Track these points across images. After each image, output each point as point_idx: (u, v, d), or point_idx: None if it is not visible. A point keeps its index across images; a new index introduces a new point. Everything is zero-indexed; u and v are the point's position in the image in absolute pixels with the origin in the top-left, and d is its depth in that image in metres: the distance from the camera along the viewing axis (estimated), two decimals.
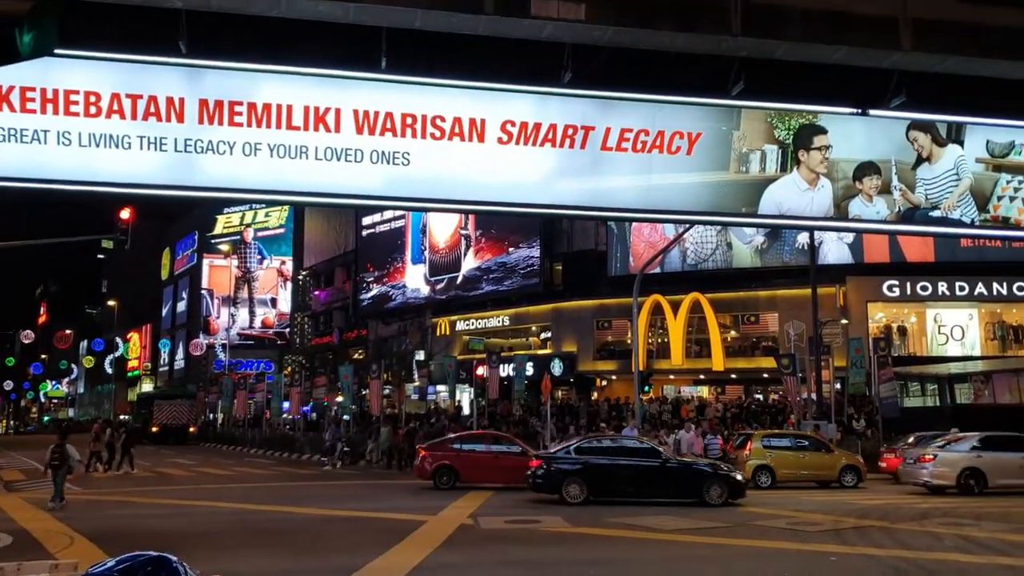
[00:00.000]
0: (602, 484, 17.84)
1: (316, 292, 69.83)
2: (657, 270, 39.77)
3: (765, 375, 38.41)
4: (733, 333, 41.39)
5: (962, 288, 37.82)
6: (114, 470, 27.79)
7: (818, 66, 16.66)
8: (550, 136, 16.06)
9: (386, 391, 41.26)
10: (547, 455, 19.05)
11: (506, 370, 37.79)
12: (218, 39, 14.74)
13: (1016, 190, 18.20)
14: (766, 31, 15.40)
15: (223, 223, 78.10)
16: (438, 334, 50.35)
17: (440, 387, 42.94)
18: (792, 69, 16.70)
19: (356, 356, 55.89)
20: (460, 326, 49.40)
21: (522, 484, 20.17)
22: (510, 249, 47.35)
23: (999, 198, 18.22)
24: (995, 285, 37.66)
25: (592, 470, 17.90)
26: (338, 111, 15.27)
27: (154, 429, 53.00)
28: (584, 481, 17.74)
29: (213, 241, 77.97)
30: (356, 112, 15.26)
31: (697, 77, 17.02)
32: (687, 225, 32.53)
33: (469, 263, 49.77)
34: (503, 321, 47.34)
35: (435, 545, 12.14)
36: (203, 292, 77.69)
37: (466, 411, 39.05)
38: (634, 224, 40.36)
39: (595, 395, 42.32)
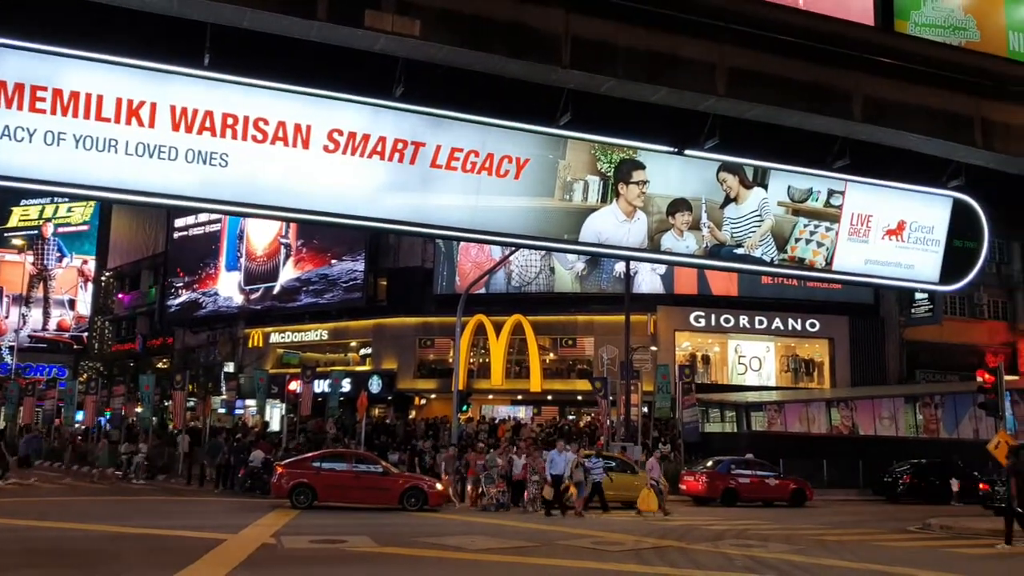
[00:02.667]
0: None
1: (120, 295, 65.67)
2: (482, 290, 40.18)
3: (579, 397, 39.54)
4: (552, 355, 42.38)
5: (761, 322, 40.55)
6: None
7: (641, 104, 17.42)
8: (379, 148, 15.88)
9: (190, 403, 39.23)
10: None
11: (321, 386, 36.91)
12: (20, 16, 13.65)
13: (812, 233, 19.70)
14: (594, 66, 15.94)
15: (19, 215, 72.12)
16: (250, 345, 48.47)
17: (249, 401, 41.28)
18: (617, 104, 17.38)
19: (160, 365, 52.87)
20: (275, 338, 47.82)
21: (384, 504, 20.35)
22: (333, 261, 46.39)
23: (796, 240, 19.66)
24: (791, 321, 40.64)
25: None
26: (154, 106, 14.44)
27: None
28: None
29: (7, 235, 71.75)
30: (173, 108, 14.49)
31: (528, 104, 17.38)
32: (513, 247, 33.05)
33: (288, 273, 48.34)
34: (321, 335, 46.25)
35: (231, 566, 11.54)
36: None
37: (275, 427, 37.74)
38: (462, 243, 40.62)
39: (413, 414, 42.07)
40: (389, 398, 42.56)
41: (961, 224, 20.33)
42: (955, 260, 20.46)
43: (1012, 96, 19.03)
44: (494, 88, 16.92)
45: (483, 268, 38.92)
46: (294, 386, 35.07)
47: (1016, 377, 40.52)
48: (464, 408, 34.61)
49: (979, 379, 21.59)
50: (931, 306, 39.86)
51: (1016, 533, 15.77)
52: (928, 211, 20.27)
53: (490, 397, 42.80)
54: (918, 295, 38.59)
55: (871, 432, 36.14)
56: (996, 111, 18.89)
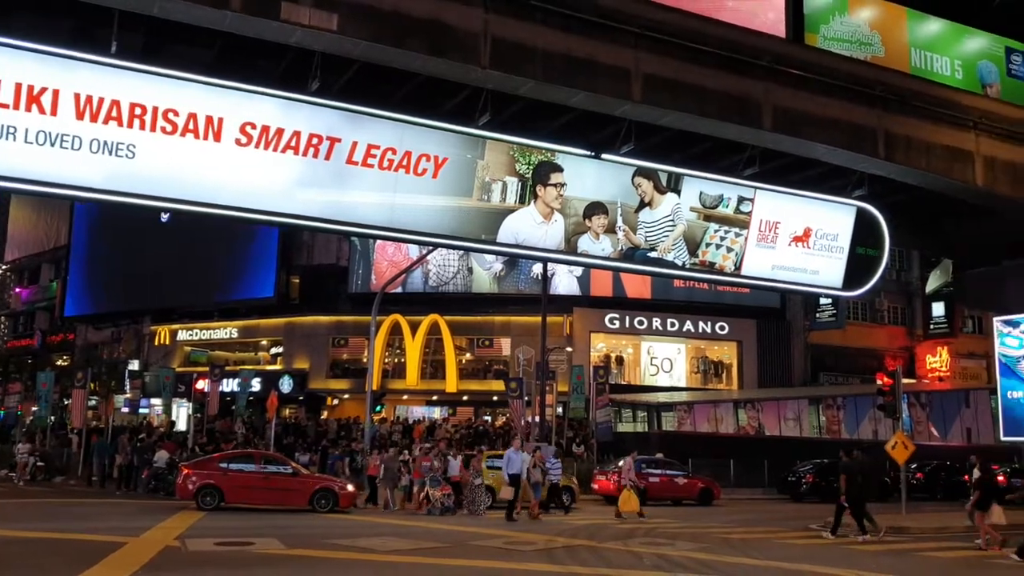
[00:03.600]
0: None
1: (17, 289, 62.84)
2: (399, 290, 39.86)
3: (495, 398, 39.61)
4: (468, 356, 42.33)
5: (673, 324, 41.35)
6: None
7: (559, 107, 17.58)
8: (293, 143, 15.61)
9: (92, 402, 37.81)
10: None
11: (230, 385, 36.04)
12: None
13: (722, 239, 20.20)
14: (513, 67, 15.99)
15: None
16: (156, 343, 46.95)
17: (155, 400, 39.99)
18: (535, 107, 17.50)
19: (60, 362, 50.79)
20: (182, 336, 46.44)
21: (294, 506, 19.90)
22: None
23: (707, 245, 20.14)
24: (701, 323, 41.56)
25: None
26: (56, 92, 13.88)
27: None
28: None
29: None
30: (78, 96, 13.96)
31: (447, 103, 17.35)
32: (430, 247, 32.88)
33: None
34: (231, 333, 45.12)
35: (131, 570, 11.14)
36: None
37: (182, 427, 36.68)
38: (378, 242, 40.20)
39: (325, 414, 41.46)
40: (300, 398, 41.82)
41: (864, 232, 21.15)
42: (858, 267, 21.28)
43: (913, 110, 19.88)
44: (413, 86, 16.82)
45: (400, 267, 38.62)
46: (202, 385, 34.12)
47: (913, 380, 42.37)
48: (378, 409, 34.24)
49: (878, 382, 22.42)
50: (835, 311, 41.29)
51: (871, 527, 16.55)
52: (833, 219, 21.02)
53: (405, 398, 42.49)
54: (822, 300, 39.95)
55: (776, 432, 37.23)
56: (898, 124, 19.69)
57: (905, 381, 27.50)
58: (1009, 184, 20.84)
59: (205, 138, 14.81)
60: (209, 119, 14.79)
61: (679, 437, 34.44)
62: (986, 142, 20.55)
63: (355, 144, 16.01)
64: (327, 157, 15.84)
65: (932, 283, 44.56)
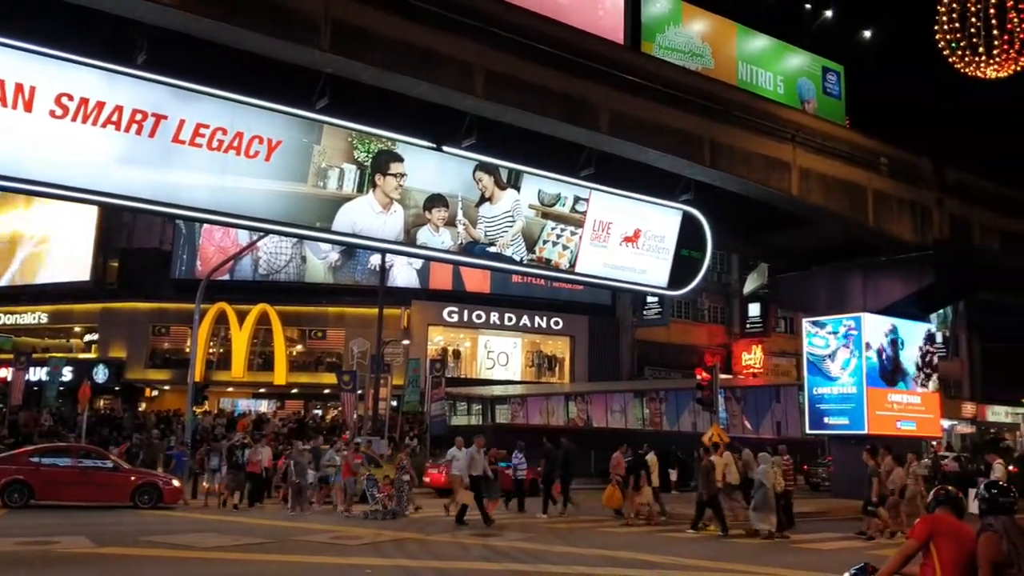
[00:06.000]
0: None
1: None
2: (226, 277, 38.35)
3: (327, 391, 38.82)
4: (299, 347, 41.29)
5: (510, 319, 41.95)
6: None
7: (402, 96, 17.35)
8: (115, 118, 14.67)
9: None
10: None
11: (38, 374, 33.54)
12: None
13: (558, 236, 20.63)
14: (354, 53, 15.66)
15: None
16: None
17: None
18: (377, 94, 17.19)
19: None
20: None
21: (114, 502, 18.69)
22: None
23: (544, 242, 20.52)
24: (537, 319, 42.38)
25: None
26: None
27: None
28: None
29: None
30: None
31: (283, 84, 16.75)
32: (261, 232, 31.79)
33: None
34: (40, 318, 41.99)
35: None
36: None
37: None
38: (205, 226, 38.46)
39: (143, 406, 39.31)
40: (117, 389, 39.47)
41: (689, 235, 22.18)
42: (682, 267, 22.29)
43: (737, 121, 20.99)
44: (248, 64, 16.13)
45: (228, 253, 37.11)
46: (5, 373, 31.55)
47: (730, 376, 44.88)
48: (201, 401, 32.75)
49: (698, 377, 23.58)
50: (660, 309, 43.14)
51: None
52: (661, 221, 21.91)
53: (230, 390, 40.96)
54: (649, 298, 41.61)
55: (603, 424, 38.46)
56: (723, 134, 20.73)
57: (722, 377, 29.10)
58: (821, 194, 22.40)
59: (14, 107, 13.66)
60: (19, 87, 13.65)
61: (512, 429, 34.89)
62: (802, 155, 21.98)
63: (183, 122, 15.21)
64: (151, 134, 14.97)
65: (749, 285, 47.28)
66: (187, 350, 34.36)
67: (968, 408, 55.11)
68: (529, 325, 42.52)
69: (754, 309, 47.92)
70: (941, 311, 48.29)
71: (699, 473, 17.91)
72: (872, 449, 17.53)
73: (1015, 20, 13.37)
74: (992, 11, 13.38)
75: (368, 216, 17.92)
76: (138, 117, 14.75)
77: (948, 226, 24.92)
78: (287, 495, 19.92)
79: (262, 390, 41.17)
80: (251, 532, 15.21)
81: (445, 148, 18.52)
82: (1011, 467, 18.57)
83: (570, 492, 20.47)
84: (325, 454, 21.28)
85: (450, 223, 18.95)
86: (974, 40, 13.59)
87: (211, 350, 39.35)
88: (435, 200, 18.72)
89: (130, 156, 15.00)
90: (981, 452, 33.03)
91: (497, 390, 39.43)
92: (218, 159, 15.62)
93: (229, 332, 39.05)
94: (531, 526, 17.49)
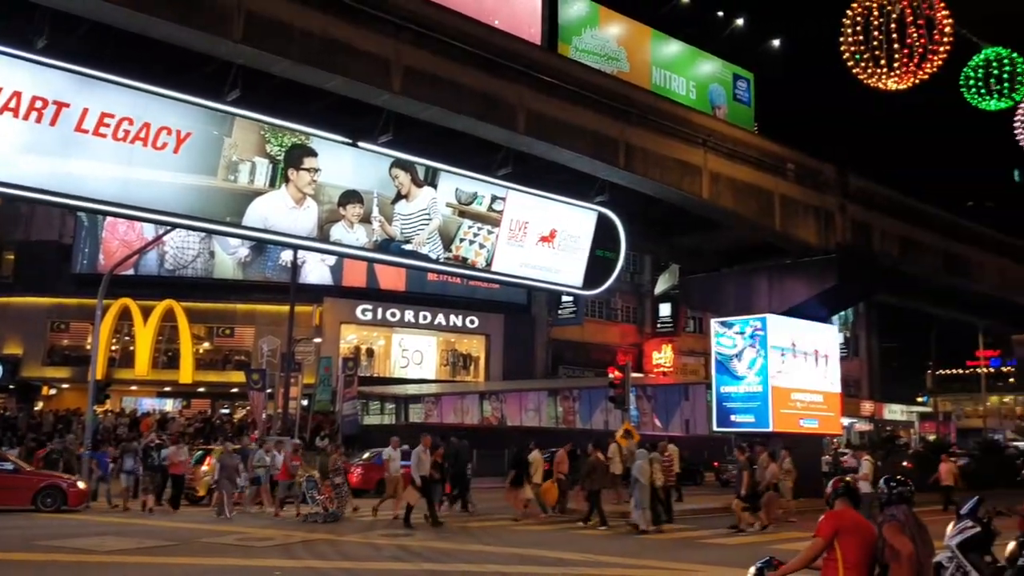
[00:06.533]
0: None
1: None
2: (130, 271, 37.13)
3: (235, 389, 37.93)
4: (207, 345, 40.24)
5: (425, 317, 41.74)
6: None
7: (317, 90, 17.07)
8: (12, 105, 14.02)
9: None
10: None
11: None
12: None
13: (475, 235, 20.61)
14: (268, 44, 15.32)
15: None
16: None
17: None
18: (292, 88, 16.87)
19: None
20: None
21: (14, 505, 18.32)
22: None
23: (461, 240, 20.46)
24: (453, 317, 42.28)
25: None
26: None
27: None
28: None
29: None
30: None
31: (194, 75, 16.27)
32: (168, 226, 30.86)
33: None
34: None
35: None
36: None
37: None
38: (108, 219, 37.09)
39: (40, 405, 37.69)
40: (11, 387, 37.73)
41: (604, 236, 22.45)
42: (597, 267, 22.56)
43: (651, 125, 21.33)
44: (157, 53, 15.63)
45: (133, 247, 35.85)
46: None
47: (641, 375, 45.66)
48: (102, 399, 31.58)
49: (610, 375, 23.92)
50: (575, 308, 43.63)
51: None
52: (577, 222, 22.11)
53: (133, 388, 39.66)
54: (564, 297, 42.04)
55: (518, 422, 38.65)
56: (638, 137, 21.05)
57: (634, 375, 29.56)
58: (731, 198, 22.97)
59: None
60: None
61: (425, 428, 34.73)
62: (713, 159, 22.49)
63: (86, 111, 14.61)
64: (52, 123, 14.33)
65: (661, 285, 48.40)
66: (88, 347, 33.06)
67: (867, 407, 57.44)
68: (444, 324, 42.39)
69: (665, 309, 48.91)
70: (843, 313, 50.18)
71: (583, 469, 18.24)
72: (742, 447, 18.61)
73: (914, 35, 13.94)
74: (893, 26, 13.93)
75: (280, 211, 17.56)
76: (38, 104, 14.11)
77: (850, 231, 25.87)
78: (222, 499, 18.45)
79: (167, 389, 39.97)
80: (154, 534, 14.76)
81: (361, 144, 18.28)
82: (878, 463, 19.78)
83: (464, 491, 20.57)
84: (255, 454, 20.59)
85: (365, 220, 18.73)
86: (876, 53, 14.11)
87: (114, 347, 38.02)
88: (350, 196, 18.47)
89: (29, 145, 14.35)
90: (879, 449, 34.45)
91: (411, 389, 39.19)
92: (124, 150, 15.07)
93: (133, 329, 37.78)
94: (444, 525, 17.44)
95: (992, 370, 67.77)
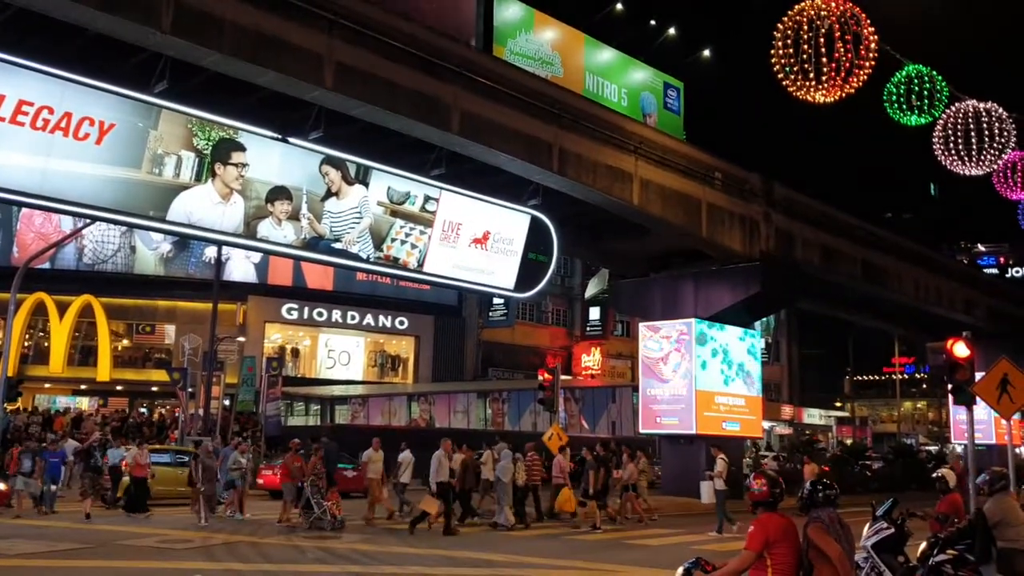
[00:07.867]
0: None
1: None
2: (46, 265, 35.83)
3: (155, 388, 36.98)
4: (125, 342, 39.12)
5: (353, 317, 41.28)
6: None
7: (248, 84, 16.73)
8: None
9: None
10: None
11: None
12: None
13: (407, 235, 20.47)
14: (197, 36, 14.97)
15: None
16: None
17: None
18: (221, 81, 16.50)
19: None
20: None
21: None
22: None
23: (393, 240, 20.30)
24: (382, 317, 41.92)
25: None
26: None
27: None
28: None
29: None
30: None
31: (119, 65, 15.80)
32: (88, 219, 29.87)
33: None
34: None
35: None
36: None
37: None
38: (24, 210, 35.72)
39: None
40: None
41: (536, 239, 22.56)
42: (529, 270, 22.65)
43: (584, 130, 21.50)
44: (80, 41, 15.12)
45: (49, 240, 34.59)
46: None
47: (570, 377, 45.97)
48: (14, 397, 30.36)
49: (540, 378, 23.99)
50: (506, 310, 43.69)
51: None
52: (510, 224, 22.17)
53: (47, 386, 38.27)
54: (496, 299, 42.08)
55: (446, 424, 38.50)
56: (571, 142, 21.19)
57: (563, 378, 29.72)
58: (660, 205, 23.30)
59: None
60: None
61: (351, 430, 34.34)
62: (643, 166, 22.79)
63: (3, 98, 14.10)
64: None
65: (591, 289, 48.74)
66: (0, 343, 31.79)
67: (787, 411, 58.86)
68: (373, 324, 42.00)
69: (594, 313, 49.35)
70: (765, 319, 51.36)
71: (458, 470, 18.05)
72: (591, 448, 19.79)
73: (842, 50, 14.35)
74: (822, 40, 14.32)
75: (206, 206, 17.17)
76: None
77: (774, 239, 26.51)
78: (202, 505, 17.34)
79: (83, 387, 38.69)
80: (68, 537, 14.25)
81: (291, 140, 18.00)
82: (732, 466, 21.13)
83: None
84: (229, 456, 19.12)
85: (293, 217, 18.44)
86: (805, 66, 14.48)
87: (27, 343, 36.62)
88: (278, 192, 18.16)
89: None
90: (798, 452, 35.37)
91: (337, 390, 38.73)
92: (43, 140, 14.54)
93: (48, 324, 36.46)
94: (370, 527, 17.27)
95: (907, 376, 70.34)
